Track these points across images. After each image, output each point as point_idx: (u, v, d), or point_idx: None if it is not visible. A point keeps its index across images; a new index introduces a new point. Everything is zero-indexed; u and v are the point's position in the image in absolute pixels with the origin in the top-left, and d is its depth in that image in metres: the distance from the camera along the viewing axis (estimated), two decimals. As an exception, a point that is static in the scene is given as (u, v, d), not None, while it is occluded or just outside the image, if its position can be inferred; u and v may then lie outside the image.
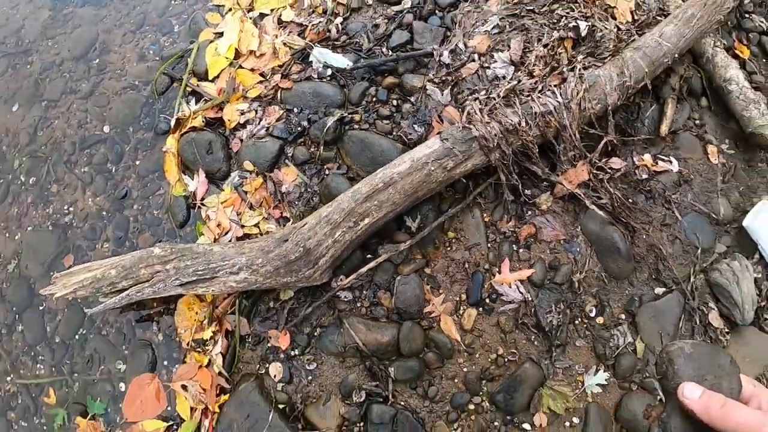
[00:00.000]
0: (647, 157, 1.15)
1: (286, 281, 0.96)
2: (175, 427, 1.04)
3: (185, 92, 1.21)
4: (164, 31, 1.35)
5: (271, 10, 1.27)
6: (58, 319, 1.18)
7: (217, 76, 1.21)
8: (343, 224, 0.94)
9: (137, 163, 1.21)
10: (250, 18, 1.26)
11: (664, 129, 1.17)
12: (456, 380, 0.98)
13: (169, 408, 1.05)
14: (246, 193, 1.08)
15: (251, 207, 1.07)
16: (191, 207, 1.13)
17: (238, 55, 1.22)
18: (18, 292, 1.23)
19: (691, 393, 0.48)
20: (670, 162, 1.15)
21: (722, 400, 0.47)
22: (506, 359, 0.98)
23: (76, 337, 1.15)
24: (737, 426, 0.45)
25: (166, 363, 1.08)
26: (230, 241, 1.05)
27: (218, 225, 1.06)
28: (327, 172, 1.08)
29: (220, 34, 1.26)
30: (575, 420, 0.97)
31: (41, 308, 1.20)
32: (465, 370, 0.98)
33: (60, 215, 1.24)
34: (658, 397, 0.95)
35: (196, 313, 1.05)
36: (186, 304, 1.06)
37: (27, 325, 1.20)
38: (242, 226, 1.06)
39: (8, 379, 1.21)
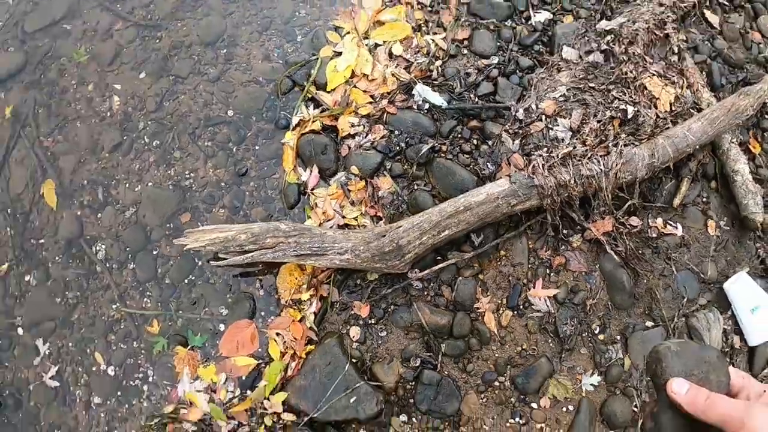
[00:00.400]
0: (659, 221, 1.75)
1: (377, 266, 1.51)
2: (263, 365, 1.57)
3: (305, 97, 1.75)
4: (288, 39, 1.87)
5: (384, 42, 1.82)
6: (170, 263, 1.69)
7: (334, 89, 1.75)
8: (430, 232, 1.49)
9: (257, 148, 1.74)
10: (366, 45, 1.81)
11: (676, 201, 1.76)
12: (488, 362, 1.54)
13: (260, 350, 1.59)
14: (349, 191, 1.63)
15: (352, 203, 1.61)
16: (302, 193, 1.66)
17: (353, 75, 1.76)
18: (134, 235, 1.74)
19: (679, 388, 0.58)
20: (677, 228, 1.75)
21: (707, 393, 0.55)
22: (528, 353, 1.55)
23: (185, 281, 1.67)
24: (722, 416, 0.53)
25: (263, 314, 1.61)
26: (332, 227, 1.59)
27: (324, 213, 1.60)
28: (416, 187, 1.64)
29: (339, 54, 1.80)
30: (570, 408, 1.55)
31: (155, 252, 1.72)
32: (496, 355, 1.54)
33: (181, 178, 1.75)
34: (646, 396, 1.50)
35: (296, 278, 1.58)
36: (288, 270, 1.60)
37: (139, 264, 1.72)
38: (343, 217, 1.60)
39: (114, 306, 1.72)
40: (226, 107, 1.80)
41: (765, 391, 0.56)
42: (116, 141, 1.83)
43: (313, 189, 1.65)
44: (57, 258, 1.79)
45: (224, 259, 1.56)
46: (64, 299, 1.75)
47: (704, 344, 0.67)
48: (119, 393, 1.66)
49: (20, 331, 1.78)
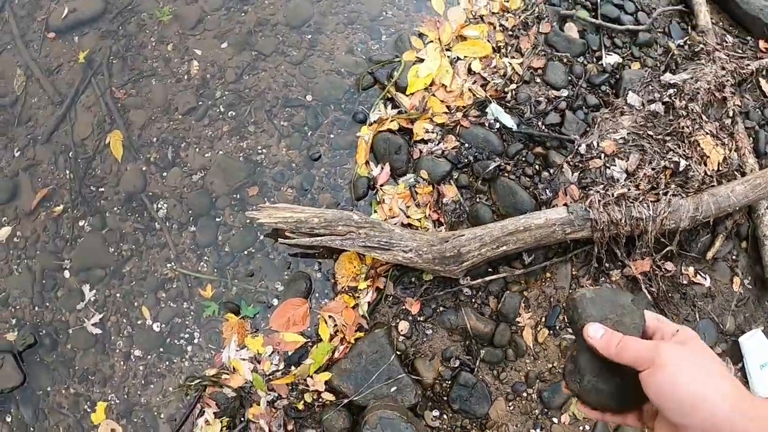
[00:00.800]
0: (691, 270, 2.06)
1: (435, 269, 1.77)
2: (311, 344, 1.81)
3: (385, 97, 2.00)
4: (373, 36, 2.12)
5: (464, 57, 2.08)
6: (231, 233, 1.92)
7: (413, 94, 2.00)
8: (490, 245, 1.76)
9: (332, 136, 1.98)
10: (447, 56, 2.07)
11: (709, 254, 2.08)
12: (520, 373, 1.82)
13: (309, 329, 1.82)
14: (416, 193, 1.88)
15: (417, 205, 1.87)
16: (371, 188, 1.91)
17: (433, 83, 2.02)
18: (198, 200, 1.96)
19: (594, 332, 0.65)
20: (705, 279, 2.06)
21: (620, 337, 0.63)
22: (557, 370, 1.83)
23: (245, 252, 1.90)
24: (634, 356, 0.60)
25: (317, 295, 1.85)
26: (395, 224, 1.85)
27: (390, 209, 1.86)
28: (478, 200, 1.91)
29: (421, 60, 2.06)
30: (587, 428, 1.83)
31: (218, 220, 1.94)
32: (528, 368, 1.82)
33: (253, 152, 1.98)
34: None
35: (355, 267, 1.83)
36: (347, 258, 1.84)
37: (200, 228, 1.94)
38: (408, 217, 1.85)
39: (168, 265, 1.93)
40: (305, 91, 2.04)
41: (678, 330, 0.63)
42: (191, 105, 2.05)
43: (382, 185, 1.90)
44: (115, 209, 1.99)
45: (291, 237, 1.81)
46: (117, 250, 1.96)
47: (618, 289, 0.72)
48: (161, 349, 1.88)
49: (67, 274, 1.97)
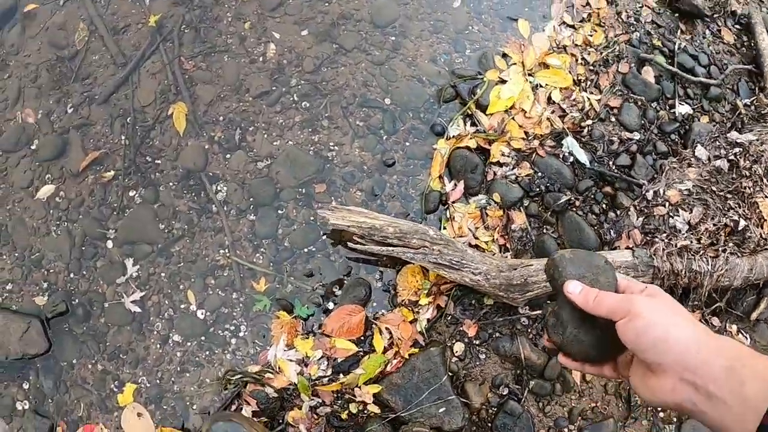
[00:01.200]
0: (734, 328, 2.21)
1: (498, 294, 1.86)
2: (362, 354, 1.87)
3: (465, 113, 2.08)
4: (457, 49, 2.20)
5: (546, 84, 2.19)
6: (293, 227, 1.96)
7: (492, 114, 2.09)
8: (556, 278, 1.86)
9: (407, 144, 2.04)
10: (529, 81, 2.17)
11: (754, 315, 2.23)
12: (564, 408, 1.92)
13: (362, 339, 1.88)
14: (487, 215, 1.97)
15: (486, 227, 1.96)
16: (442, 203, 1.99)
17: (513, 106, 2.11)
18: (262, 188, 1.99)
19: (574, 288, 0.77)
20: (746, 339, 2.22)
21: (597, 292, 0.75)
22: (599, 410, 1.95)
23: (305, 249, 1.95)
24: (609, 309, 0.72)
25: (375, 305, 1.91)
26: (463, 244, 1.93)
27: (459, 228, 1.94)
28: (545, 231, 2.01)
29: (504, 81, 2.15)
30: (619, 470, 1.95)
31: (280, 212, 1.98)
32: (573, 405, 1.93)
33: (324, 148, 2.03)
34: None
35: (417, 281, 1.90)
36: (411, 271, 1.91)
37: (260, 218, 1.97)
38: (476, 238, 1.94)
39: (221, 252, 1.96)
40: (384, 94, 2.10)
41: (646, 287, 0.76)
42: (264, 89, 2.09)
43: (454, 202, 1.98)
44: (171, 184, 2.01)
45: (358, 243, 1.87)
46: (168, 227, 1.98)
47: (592, 252, 0.84)
48: (203, 338, 1.91)
49: (110, 244, 1.98)
